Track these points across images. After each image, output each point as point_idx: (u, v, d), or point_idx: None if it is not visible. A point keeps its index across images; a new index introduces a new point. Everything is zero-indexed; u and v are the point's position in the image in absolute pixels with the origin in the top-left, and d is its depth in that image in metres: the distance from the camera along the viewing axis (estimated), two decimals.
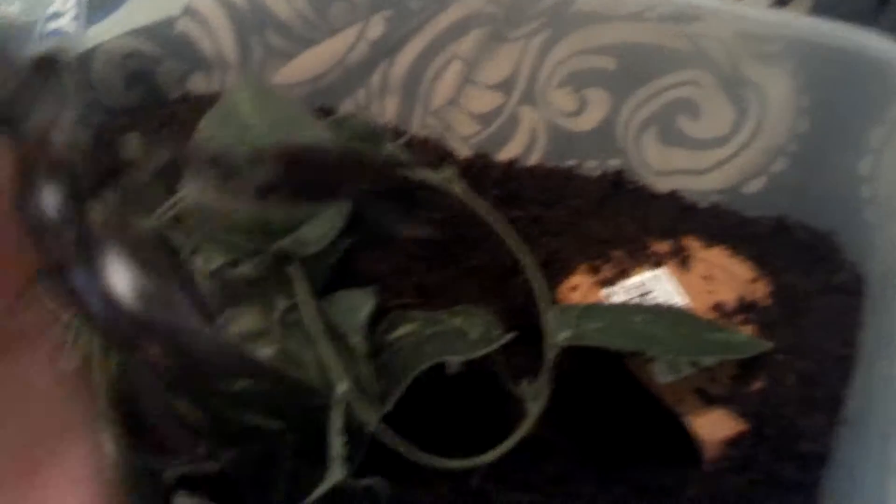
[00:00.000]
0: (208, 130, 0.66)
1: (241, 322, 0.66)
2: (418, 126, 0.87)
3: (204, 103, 0.92)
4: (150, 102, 0.94)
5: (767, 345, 0.63)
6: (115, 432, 0.59)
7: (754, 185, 0.79)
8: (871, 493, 0.53)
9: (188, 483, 0.59)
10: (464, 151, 0.85)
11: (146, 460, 0.61)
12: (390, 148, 0.71)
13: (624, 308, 0.67)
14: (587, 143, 0.82)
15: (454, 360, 0.58)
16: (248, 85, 0.69)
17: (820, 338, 0.66)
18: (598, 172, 0.82)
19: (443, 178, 0.68)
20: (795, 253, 0.73)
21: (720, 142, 0.79)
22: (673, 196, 0.79)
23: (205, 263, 0.69)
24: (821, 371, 0.64)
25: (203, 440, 0.61)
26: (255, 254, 0.64)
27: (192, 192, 0.63)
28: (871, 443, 0.56)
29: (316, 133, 0.66)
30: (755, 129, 0.78)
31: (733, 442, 0.63)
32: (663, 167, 0.81)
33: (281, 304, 0.67)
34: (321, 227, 0.65)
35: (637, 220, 0.76)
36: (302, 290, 0.64)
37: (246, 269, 0.69)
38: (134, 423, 0.63)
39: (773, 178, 0.78)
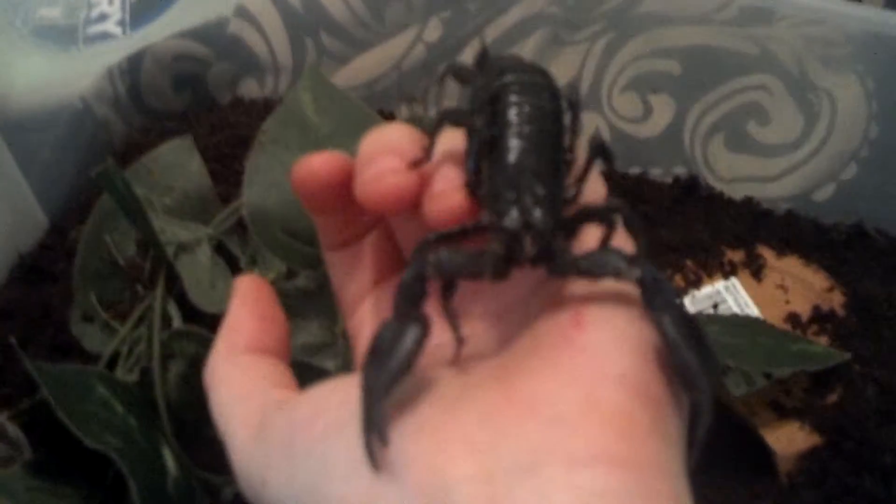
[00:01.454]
0: (272, 132, 0.68)
1: (302, 335, 0.69)
2: None
3: (256, 107, 0.95)
4: (199, 106, 0.97)
5: (845, 356, 0.66)
6: (176, 447, 0.62)
7: (825, 192, 0.81)
8: None
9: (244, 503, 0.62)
10: None
11: (204, 477, 0.64)
12: None
13: (699, 318, 0.69)
14: (653, 150, 0.85)
15: None
16: (312, 85, 0.71)
17: None
18: (668, 179, 0.84)
19: None
20: (873, 260, 0.76)
21: (790, 148, 0.82)
22: (748, 203, 0.82)
23: (263, 273, 0.72)
24: None
25: None
26: (315, 260, 0.67)
27: (252, 197, 0.66)
28: None
29: None
30: (825, 135, 0.80)
31: (809, 455, 0.65)
32: (731, 174, 0.83)
33: (342, 317, 0.70)
34: None
35: (710, 227, 0.79)
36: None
37: (302, 281, 0.71)
38: (193, 437, 0.66)
39: (844, 185, 0.80)
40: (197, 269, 0.68)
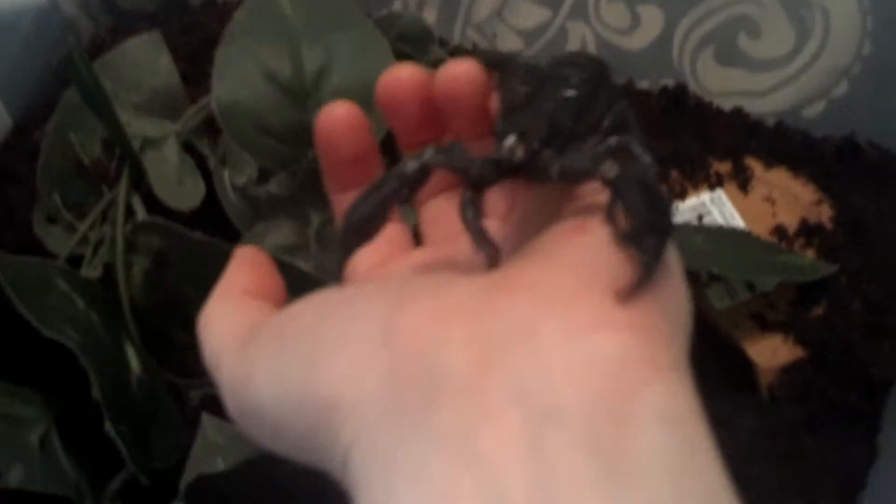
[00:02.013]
0: (243, 23, 0.66)
1: (274, 236, 0.67)
2: (459, 40, 0.88)
3: (229, 9, 0.92)
4: (170, 7, 0.94)
5: (832, 268, 0.65)
6: (140, 347, 0.61)
7: (815, 108, 0.80)
8: None
9: (213, 404, 0.61)
10: None
11: (171, 379, 0.63)
12: (439, 53, 0.72)
13: (684, 227, 0.68)
14: (641, 62, 0.83)
15: None
16: None
17: (889, 262, 0.67)
18: (655, 90, 0.82)
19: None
20: (864, 174, 0.74)
21: (781, 62, 0.80)
22: (737, 114, 0.80)
23: (233, 175, 0.70)
24: (889, 295, 0.65)
25: None
26: (291, 161, 0.65)
27: (223, 91, 0.64)
28: None
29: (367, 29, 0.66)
30: (817, 51, 0.79)
31: (792, 369, 0.65)
32: (721, 88, 0.82)
33: (317, 218, 0.68)
34: None
35: (697, 138, 0.77)
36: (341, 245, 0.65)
37: (274, 186, 0.69)
38: (160, 342, 0.65)
39: (836, 101, 0.78)
40: (164, 165, 0.66)
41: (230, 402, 0.39)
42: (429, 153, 0.34)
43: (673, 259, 0.34)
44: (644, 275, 0.30)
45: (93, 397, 0.57)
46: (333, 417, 0.32)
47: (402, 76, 0.41)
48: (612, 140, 0.34)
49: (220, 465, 0.56)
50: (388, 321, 0.32)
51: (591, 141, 0.35)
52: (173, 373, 0.63)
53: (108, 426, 0.53)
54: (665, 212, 0.31)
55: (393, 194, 0.33)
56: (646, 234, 0.30)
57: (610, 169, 0.31)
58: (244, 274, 0.44)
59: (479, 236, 0.35)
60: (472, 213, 0.34)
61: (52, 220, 0.70)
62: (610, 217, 0.32)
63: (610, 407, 0.29)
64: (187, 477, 0.57)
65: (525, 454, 0.28)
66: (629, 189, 0.31)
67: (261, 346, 0.37)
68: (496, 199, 0.39)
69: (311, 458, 0.35)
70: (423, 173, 0.34)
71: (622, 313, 0.30)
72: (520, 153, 0.34)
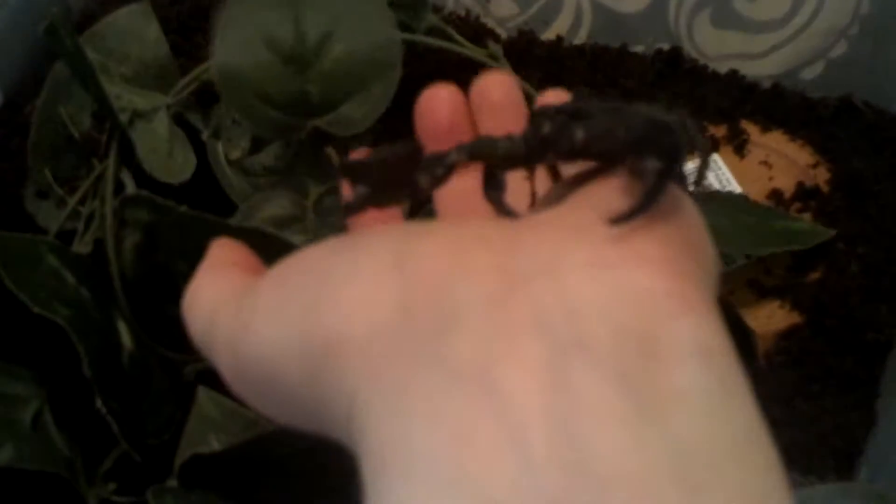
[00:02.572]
0: None
1: (270, 207, 0.67)
2: (452, 6, 0.87)
3: None
4: None
5: (830, 232, 0.65)
6: (132, 322, 0.60)
7: (813, 70, 0.79)
8: None
9: (209, 380, 0.61)
10: (503, 35, 0.85)
11: (164, 354, 0.62)
12: (433, 19, 0.71)
13: None
14: (636, 25, 0.82)
15: None
16: None
17: (887, 224, 0.67)
18: (651, 52, 0.82)
19: (488, 54, 0.68)
20: (861, 135, 0.74)
21: (777, 24, 0.79)
22: (732, 77, 0.79)
23: (227, 149, 0.69)
24: (886, 259, 0.65)
25: None
26: (290, 130, 0.64)
27: (223, 56, 0.63)
28: None
29: None
30: (814, 11, 0.78)
31: (788, 334, 0.64)
32: (717, 51, 0.81)
33: (315, 190, 0.68)
34: (365, 105, 0.64)
35: (693, 101, 0.76)
36: (339, 175, 0.65)
37: (268, 158, 0.69)
38: (153, 317, 0.65)
39: (833, 62, 0.78)
40: (153, 137, 0.65)
41: (225, 358, 0.38)
42: (454, 155, 0.33)
43: (689, 204, 0.33)
44: (644, 200, 0.29)
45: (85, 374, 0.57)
46: (338, 359, 0.31)
47: (441, 96, 0.43)
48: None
49: (214, 444, 0.56)
50: (404, 249, 0.31)
51: None
52: (167, 348, 0.63)
53: (99, 403, 0.53)
54: (670, 134, 0.30)
55: (420, 191, 0.33)
56: (647, 155, 0.29)
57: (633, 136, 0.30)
58: (231, 251, 0.44)
59: (501, 207, 0.34)
60: (494, 185, 0.34)
61: (42, 195, 0.70)
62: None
63: (639, 340, 0.28)
64: (182, 455, 0.57)
65: (548, 388, 0.27)
66: (635, 115, 0.30)
67: (260, 293, 0.36)
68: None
69: (311, 413, 0.34)
70: (449, 170, 0.34)
71: (654, 248, 0.29)
72: (547, 127, 0.32)
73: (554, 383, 0.28)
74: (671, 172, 0.29)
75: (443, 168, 0.33)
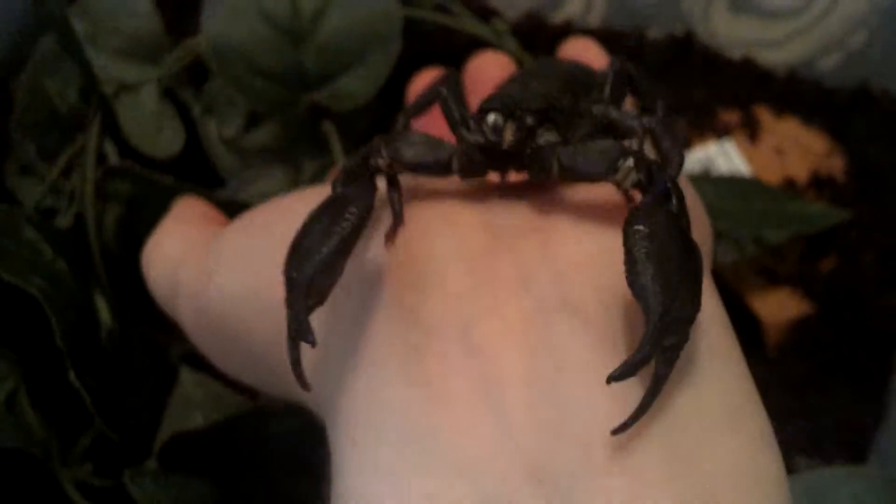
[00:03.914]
0: None
1: (264, 182, 0.65)
2: None
3: None
4: None
5: (844, 214, 0.62)
6: (112, 300, 0.59)
7: (831, 60, 0.77)
8: None
9: (194, 360, 0.59)
10: (510, 15, 0.83)
11: (147, 334, 0.61)
12: None
13: (690, 179, 0.66)
14: (649, 11, 0.81)
15: None
16: None
17: None
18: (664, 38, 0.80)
19: (494, 31, 0.67)
20: (878, 124, 0.72)
21: (795, 11, 0.77)
22: (747, 63, 0.77)
23: (220, 127, 0.68)
24: None
25: None
26: (286, 104, 0.63)
27: (215, 27, 0.62)
28: None
29: None
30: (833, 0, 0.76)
31: (800, 325, 0.63)
32: (732, 38, 0.79)
33: (310, 166, 0.66)
34: (363, 79, 0.62)
35: (707, 87, 0.75)
36: (336, 151, 0.63)
37: (263, 135, 0.67)
38: (138, 298, 0.63)
39: (852, 52, 0.76)
40: (140, 110, 0.64)
41: (188, 314, 0.37)
42: (381, 154, 0.30)
43: (688, 186, 0.32)
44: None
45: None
46: None
47: (487, 60, 0.45)
48: (630, 120, 0.30)
49: (198, 419, 0.55)
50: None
51: (596, 110, 0.32)
52: (150, 327, 0.61)
53: (71, 377, 0.51)
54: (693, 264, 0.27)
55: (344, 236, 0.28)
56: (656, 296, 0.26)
57: (626, 176, 0.27)
58: (197, 206, 0.43)
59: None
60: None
61: (25, 171, 0.69)
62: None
63: (626, 303, 0.27)
64: (163, 435, 0.55)
65: (530, 348, 0.26)
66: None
67: (225, 239, 0.36)
68: None
69: (277, 371, 0.33)
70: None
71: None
72: (509, 135, 0.29)
73: (536, 344, 0.27)
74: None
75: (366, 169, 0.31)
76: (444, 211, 0.30)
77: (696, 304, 0.26)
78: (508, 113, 0.29)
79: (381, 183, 0.30)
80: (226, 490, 0.55)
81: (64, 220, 0.60)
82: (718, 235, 0.65)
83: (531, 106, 0.29)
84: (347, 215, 0.27)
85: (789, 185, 0.68)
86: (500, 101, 0.29)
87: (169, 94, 0.67)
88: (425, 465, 0.26)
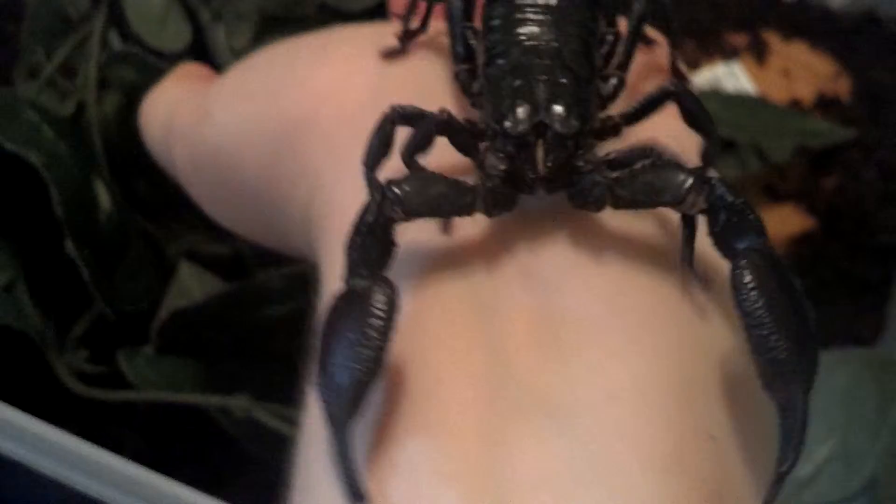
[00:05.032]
0: None
1: None
2: None
3: None
4: None
5: (847, 133, 0.62)
6: (113, 186, 0.58)
7: None
8: None
9: (195, 257, 0.59)
10: None
11: (150, 231, 0.61)
12: None
13: (700, 94, 0.66)
14: None
15: None
16: None
17: None
18: None
19: None
20: (884, 47, 0.72)
21: None
22: None
23: (229, 36, 0.67)
24: None
25: None
26: (294, 3, 0.63)
27: None
28: None
29: None
30: None
31: (802, 239, 0.63)
32: None
33: None
34: None
35: (715, 8, 0.74)
36: None
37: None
38: (135, 184, 0.63)
39: None
40: (147, 4, 0.63)
41: (182, 155, 0.37)
42: (390, 206, 0.24)
43: None
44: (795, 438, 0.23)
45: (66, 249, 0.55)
46: (303, 140, 0.30)
47: None
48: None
49: (195, 295, 0.55)
50: (386, 39, 0.30)
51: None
52: (149, 220, 0.61)
53: (69, 246, 0.51)
54: (810, 319, 0.24)
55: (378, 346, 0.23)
56: (790, 367, 0.23)
57: (694, 204, 0.24)
58: (197, 68, 0.43)
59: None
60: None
61: (33, 75, 0.69)
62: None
63: None
64: (161, 315, 0.55)
65: None
66: (761, 280, 0.24)
67: (223, 83, 0.36)
68: None
69: (268, 208, 0.33)
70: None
71: None
72: (543, 162, 0.25)
73: None
74: None
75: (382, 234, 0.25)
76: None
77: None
78: (539, 132, 0.25)
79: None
80: (217, 371, 0.55)
81: (65, 110, 0.60)
82: (723, 150, 0.65)
83: (570, 129, 0.25)
84: (373, 321, 0.23)
85: (795, 105, 0.68)
86: (526, 113, 0.25)
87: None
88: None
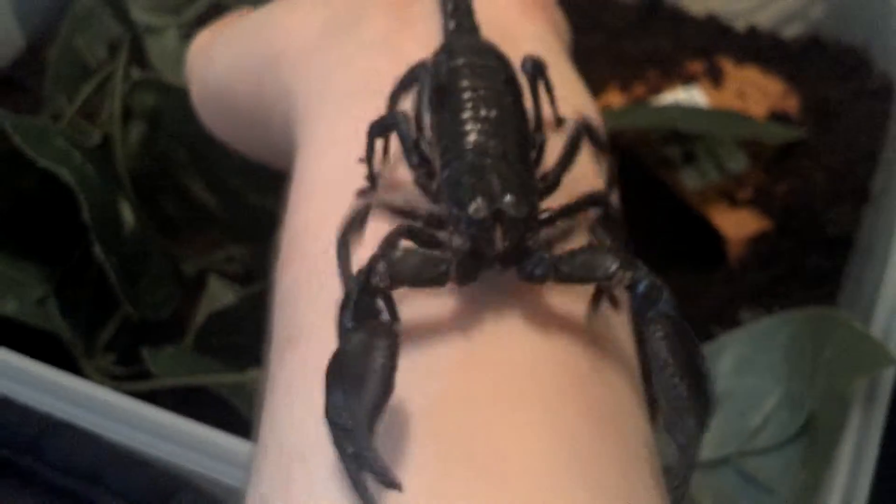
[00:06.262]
0: None
1: None
2: None
3: None
4: None
5: (796, 133, 0.69)
6: (135, 204, 0.63)
7: (785, 13, 0.81)
8: (878, 264, 0.57)
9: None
10: None
11: (169, 249, 0.65)
12: None
13: (663, 108, 0.72)
14: None
15: None
16: None
17: (850, 137, 0.70)
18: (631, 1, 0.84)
19: None
20: (828, 66, 0.77)
21: None
22: (710, 18, 0.82)
23: None
24: (849, 165, 0.68)
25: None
26: None
27: None
28: (891, 218, 0.59)
29: None
30: None
31: (758, 239, 0.67)
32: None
33: None
34: None
35: (673, 40, 0.80)
36: None
37: None
38: (157, 213, 0.67)
39: (801, 7, 0.80)
40: (163, 47, 0.69)
41: (196, 94, 0.49)
42: (379, 277, 0.29)
43: None
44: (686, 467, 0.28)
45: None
46: (280, 66, 0.40)
47: None
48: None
49: (230, 297, 0.60)
50: None
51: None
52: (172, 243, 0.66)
53: (96, 250, 0.55)
54: (708, 375, 0.28)
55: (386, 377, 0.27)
56: (688, 409, 0.28)
57: (620, 281, 0.29)
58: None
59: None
60: None
61: (55, 118, 0.74)
62: None
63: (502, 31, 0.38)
64: (197, 322, 0.61)
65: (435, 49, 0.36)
66: (670, 340, 0.28)
67: (221, 33, 0.47)
68: None
69: (259, 126, 0.44)
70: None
71: None
72: (501, 242, 0.30)
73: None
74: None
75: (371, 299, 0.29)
76: None
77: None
78: (497, 217, 0.30)
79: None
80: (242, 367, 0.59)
81: (92, 141, 0.65)
82: (685, 163, 0.70)
83: (521, 213, 0.30)
84: (376, 365, 0.26)
85: None
86: (483, 201, 0.30)
87: (188, 37, 0.73)
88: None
